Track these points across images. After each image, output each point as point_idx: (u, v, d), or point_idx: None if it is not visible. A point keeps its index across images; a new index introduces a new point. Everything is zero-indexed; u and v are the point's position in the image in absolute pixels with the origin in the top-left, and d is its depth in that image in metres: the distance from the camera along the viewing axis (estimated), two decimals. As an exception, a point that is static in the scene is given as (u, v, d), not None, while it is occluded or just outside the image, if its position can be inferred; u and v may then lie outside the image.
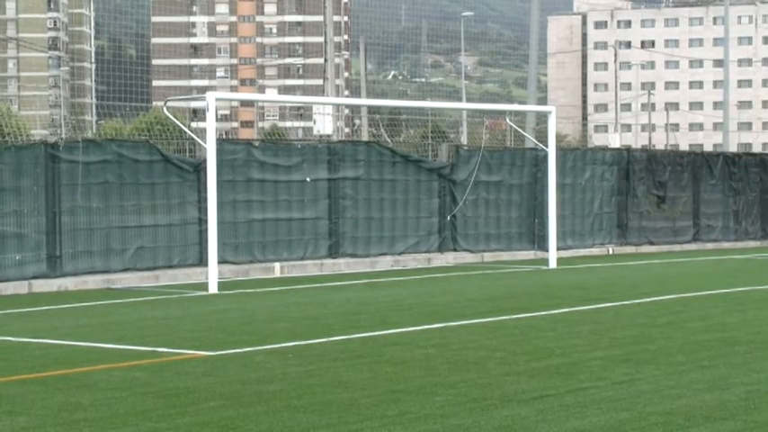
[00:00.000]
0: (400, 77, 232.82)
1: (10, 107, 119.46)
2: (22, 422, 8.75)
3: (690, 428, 8.25)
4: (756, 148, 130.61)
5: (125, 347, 13.02)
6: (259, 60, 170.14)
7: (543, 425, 8.42)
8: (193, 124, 22.82)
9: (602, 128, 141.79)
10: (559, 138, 27.98)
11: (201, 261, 22.11)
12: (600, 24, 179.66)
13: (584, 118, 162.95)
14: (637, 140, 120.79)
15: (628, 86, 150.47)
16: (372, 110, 58.23)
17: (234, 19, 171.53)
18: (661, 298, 18.18)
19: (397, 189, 26.28)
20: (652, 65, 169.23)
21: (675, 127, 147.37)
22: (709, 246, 32.35)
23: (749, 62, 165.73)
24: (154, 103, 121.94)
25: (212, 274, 20.78)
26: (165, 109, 24.05)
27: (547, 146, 27.00)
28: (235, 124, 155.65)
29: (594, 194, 30.16)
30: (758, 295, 18.81)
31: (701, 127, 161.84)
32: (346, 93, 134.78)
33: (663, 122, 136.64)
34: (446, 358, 11.96)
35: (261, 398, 9.69)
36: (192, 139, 23.78)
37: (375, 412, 8.97)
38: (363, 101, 63.48)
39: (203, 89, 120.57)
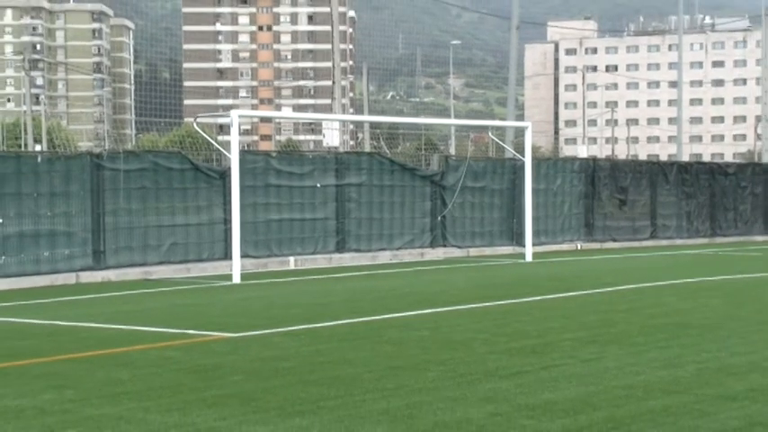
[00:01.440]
0: (397, 97, 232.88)
1: (60, 122, 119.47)
2: (70, 395, 8.76)
3: (648, 400, 8.26)
4: (706, 158, 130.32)
5: (160, 330, 13.04)
6: (276, 82, 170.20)
7: (521, 396, 8.43)
8: (219, 137, 22.83)
9: (572, 140, 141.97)
10: (534, 149, 27.97)
11: (226, 255, 22.09)
12: (570, 51, 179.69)
13: (556, 132, 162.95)
14: (601, 151, 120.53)
15: (594, 105, 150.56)
16: (373, 125, 58.21)
17: (254, 47, 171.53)
18: (622, 287, 18.18)
19: (395, 193, 26.28)
20: (615, 86, 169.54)
21: (635, 140, 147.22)
22: (665, 242, 32.34)
23: (700, 83, 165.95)
24: (185, 120, 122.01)
25: (236, 267, 20.80)
26: (195, 124, 24.08)
27: (524, 156, 27.05)
28: (255, 137, 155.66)
29: (565, 198, 30.16)
30: (707, 285, 18.81)
31: (657, 140, 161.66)
32: (351, 110, 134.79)
33: (624, 136, 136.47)
34: (437, 339, 11.97)
35: (277, 373, 9.70)
36: (219, 150, 23.77)
37: (376, 386, 8.99)
38: (366, 117, 63.51)
39: (228, 107, 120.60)
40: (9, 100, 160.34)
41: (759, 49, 59.42)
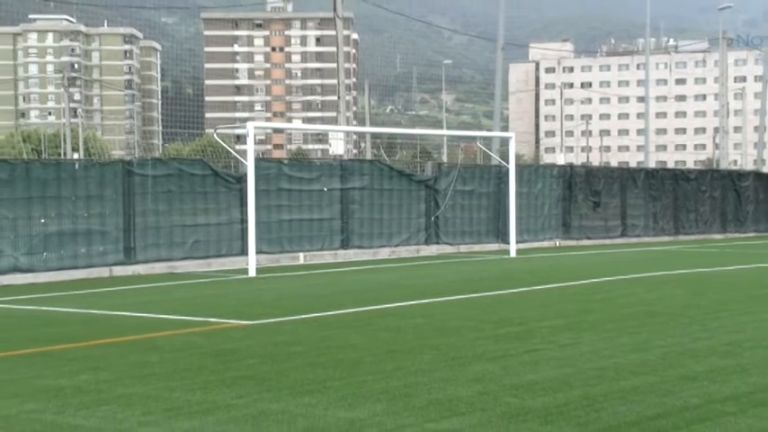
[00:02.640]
0: (396, 111, 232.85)
1: (95, 133, 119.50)
2: (104, 376, 8.76)
3: (619, 381, 8.26)
4: (670, 165, 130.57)
5: (184, 318, 13.03)
6: (287, 97, 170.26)
7: (506, 377, 8.43)
8: (237, 146, 22.82)
9: (551, 149, 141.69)
10: (518, 157, 27.97)
11: (243, 251, 22.08)
12: (549, 70, 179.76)
13: (537, 142, 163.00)
14: (577, 159, 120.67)
15: (571, 117, 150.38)
16: (374, 136, 58.26)
17: (268, 66, 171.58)
18: (596, 280, 18.19)
19: (393, 196, 26.29)
20: (589, 101, 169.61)
21: (607, 149, 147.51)
22: (634, 240, 32.38)
23: (665, 98, 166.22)
24: (206, 131, 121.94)
25: (251, 262, 20.81)
26: (215, 135, 24.08)
27: (508, 163, 27.07)
28: (269, 146, 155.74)
29: (545, 200, 30.18)
30: (672, 278, 18.82)
31: (627, 149, 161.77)
32: (354, 122, 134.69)
33: (597, 145, 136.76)
34: (431, 326, 11.97)
35: (288, 357, 9.70)
36: (236, 158, 23.78)
37: (377, 368, 8.98)
38: (367, 129, 63.49)
39: (244, 120, 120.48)
40: (50, 113, 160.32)
41: (717, 69, 59.51)
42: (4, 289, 17.74)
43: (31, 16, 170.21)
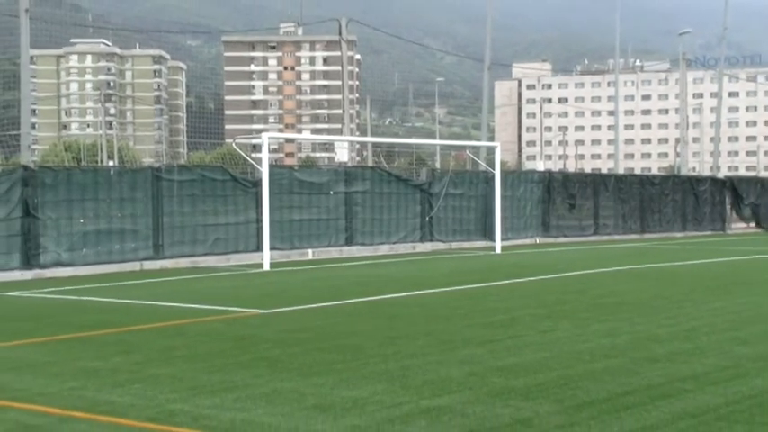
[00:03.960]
0: (394, 123, 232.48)
1: (128, 143, 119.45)
2: (136, 358, 8.77)
3: (592, 363, 8.26)
4: (637, 171, 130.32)
5: (206, 307, 13.03)
6: (298, 111, 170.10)
7: (492, 360, 8.43)
8: (253, 155, 22.79)
9: (532, 157, 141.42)
10: (502, 164, 27.97)
11: (258, 248, 22.05)
12: (530, 86, 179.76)
13: (519, 151, 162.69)
14: (555, 166, 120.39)
15: (549, 129, 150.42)
16: (375, 145, 58.16)
17: (280, 83, 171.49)
18: (572, 273, 18.20)
19: (392, 199, 26.25)
20: (566, 114, 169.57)
21: (582, 156, 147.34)
22: (605, 238, 32.36)
23: (632, 112, 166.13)
24: (226, 141, 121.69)
25: (266, 257, 20.80)
26: (234, 144, 24.08)
27: (494, 169, 27.07)
28: (281, 155, 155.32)
29: (526, 203, 30.14)
30: (638, 271, 18.84)
31: (599, 157, 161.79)
32: (357, 133, 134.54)
33: (573, 153, 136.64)
34: (425, 314, 11.97)
35: (298, 342, 9.69)
36: (252, 165, 23.76)
37: (377, 351, 8.98)
38: (368, 139, 63.42)
39: (260, 131, 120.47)
40: (89, 126, 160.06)
41: (678, 86, 59.54)
42: (48, 281, 17.75)
43: (72, 40, 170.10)
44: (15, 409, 6.68)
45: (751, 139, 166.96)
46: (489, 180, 27.97)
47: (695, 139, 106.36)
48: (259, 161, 22.15)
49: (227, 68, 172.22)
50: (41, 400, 6.96)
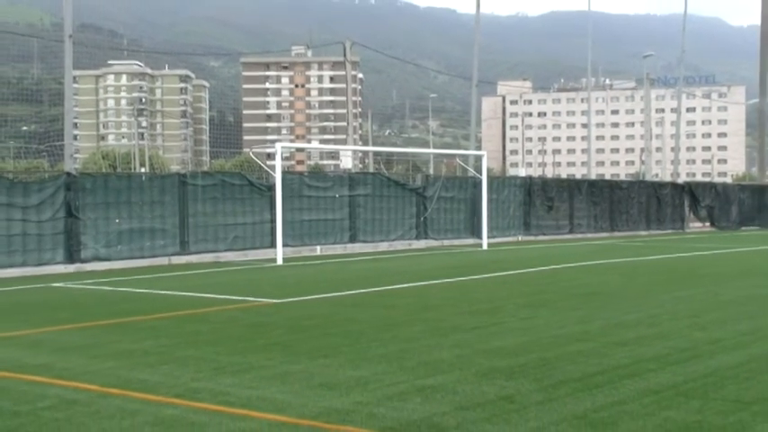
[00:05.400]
0: (392, 134, 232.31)
1: (158, 152, 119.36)
2: (164, 342, 8.76)
3: (567, 346, 8.25)
4: (607, 177, 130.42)
5: (226, 297, 13.02)
6: (307, 123, 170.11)
7: (479, 344, 8.42)
8: (268, 162, 22.82)
9: (515, 164, 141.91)
10: (488, 170, 27.94)
11: (272, 245, 22.03)
12: (513, 102, 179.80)
13: (504, 158, 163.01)
14: (535, 172, 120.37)
15: (530, 139, 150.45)
16: (375, 153, 58.15)
17: (292, 99, 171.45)
18: (549, 267, 18.20)
19: (391, 201, 26.24)
20: (544, 126, 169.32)
21: (558, 164, 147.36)
22: (579, 236, 32.35)
23: (603, 125, 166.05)
24: (244, 150, 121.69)
25: (279, 253, 20.78)
26: (251, 153, 24.13)
27: (481, 175, 27.06)
28: (293, 162, 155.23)
29: (509, 205, 30.13)
30: (608, 265, 18.82)
31: (574, 164, 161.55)
32: (360, 143, 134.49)
33: (551, 161, 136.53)
34: (420, 304, 11.96)
35: (307, 328, 9.68)
36: (267, 171, 23.75)
37: (376, 336, 8.97)
38: (370, 148, 63.38)
39: (274, 141, 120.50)
40: (123, 137, 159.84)
41: (642, 102, 59.55)
42: (87, 274, 17.75)
43: (109, 62, 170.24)
44: (59, 386, 6.68)
45: (706, 149, 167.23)
46: (477, 185, 27.95)
47: (658, 149, 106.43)
48: (273, 168, 22.15)
49: (244, 86, 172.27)
50: (82, 377, 6.96)
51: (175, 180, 21.03)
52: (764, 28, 44.87)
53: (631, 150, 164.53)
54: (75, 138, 22.59)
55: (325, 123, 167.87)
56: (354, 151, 38.00)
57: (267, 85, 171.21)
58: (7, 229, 17.78)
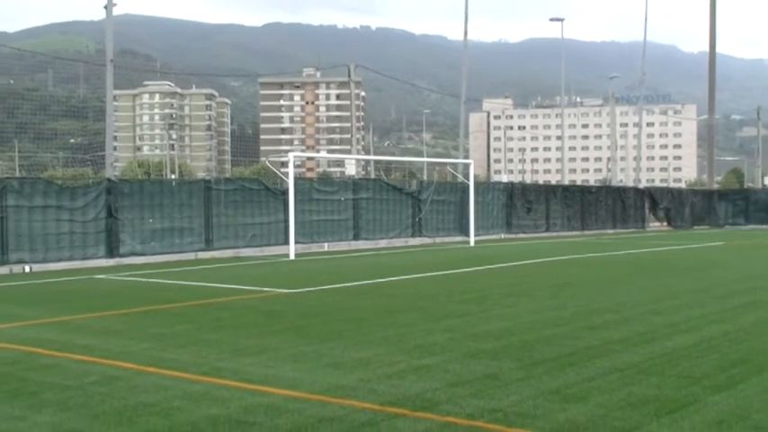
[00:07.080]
0: (391, 144, 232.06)
1: (186, 161, 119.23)
2: (192, 326, 8.74)
3: (544, 330, 8.24)
4: (578, 182, 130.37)
5: (245, 287, 13.01)
6: (316, 136, 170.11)
7: (468, 328, 8.41)
8: (282, 170, 22.81)
9: (498, 171, 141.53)
10: (475, 177, 27.95)
11: (285, 242, 22.00)
12: (496, 117, 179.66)
13: (488, 166, 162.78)
14: (516, 178, 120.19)
15: (511, 150, 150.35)
16: (376, 162, 58.12)
17: (303, 114, 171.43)
18: (529, 261, 18.19)
19: (390, 203, 26.21)
20: (524, 138, 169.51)
21: (536, 171, 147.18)
22: (554, 234, 32.33)
23: (575, 137, 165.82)
24: (261, 159, 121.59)
25: (291, 249, 20.76)
26: (267, 162, 24.08)
27: (469, 181, 27.04)
28: (303, 170, 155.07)
29: (493, 207, 30.12)
30: (580, 260, 18.81)
31: (549, 171, 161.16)
32: (362, 153, 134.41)
33: (530, 169, 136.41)
34: (416, 293, 11.95)
35: (317, 314, 9.67)
36: (281, 177, 23.74)
37: (378, 322, 8.96)
38: (371, 157, 63.38)
39: (287, 151, 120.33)
40: (156, 148, 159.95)
41: (609, 117, 59.64)
42: (126, 267, 17.73)
43: (144, 82, 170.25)
44: (101, 364, 6.68)
45: (663, 158, 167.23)
46: (465, 189, 27.94)
47: (622, 158, 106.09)
48: (286, 174, 22.15)
49: (261, 103, 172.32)
50: (121, 357, 6.96)
51: (201, 185, 21.02)
52: (711, 55, 45.59)
53: (599, 159, 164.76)
54: (114, 149, 22.61)
55: (332, 136, 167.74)
56: (357, 160, 37.96)
57: (281, 102, 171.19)
58: (57, 228, 17.82)
